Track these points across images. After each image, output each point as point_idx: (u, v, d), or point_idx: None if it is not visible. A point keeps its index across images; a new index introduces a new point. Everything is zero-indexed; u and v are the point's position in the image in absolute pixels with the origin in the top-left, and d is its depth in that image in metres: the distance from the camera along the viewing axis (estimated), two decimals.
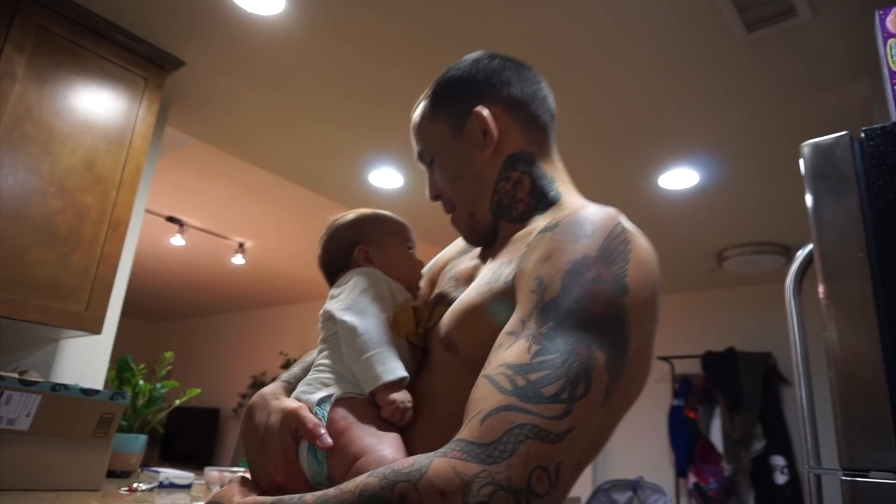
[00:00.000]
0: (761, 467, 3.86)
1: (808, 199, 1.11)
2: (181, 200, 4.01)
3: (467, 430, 0.53)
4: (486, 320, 0.66)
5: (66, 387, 1.50)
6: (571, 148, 2.17)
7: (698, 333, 4.42)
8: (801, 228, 2.09)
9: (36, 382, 1.46)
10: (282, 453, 0.68)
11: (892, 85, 1.21)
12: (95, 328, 1.88)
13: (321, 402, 0.70)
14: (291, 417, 0.68)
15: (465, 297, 0.72)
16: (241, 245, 4.83)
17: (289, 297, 6.49)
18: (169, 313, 8.02)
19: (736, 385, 3.98)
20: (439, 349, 0.72)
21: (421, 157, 0.86)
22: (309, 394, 0.72)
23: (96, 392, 1.55)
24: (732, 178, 2.91)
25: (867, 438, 0.96)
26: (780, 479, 3.75)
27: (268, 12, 1.99)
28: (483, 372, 0.58)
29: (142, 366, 2.04)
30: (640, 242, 0.66)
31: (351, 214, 0.87)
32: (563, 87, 2.12)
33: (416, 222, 0.94)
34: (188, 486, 1.81)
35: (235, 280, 5.90)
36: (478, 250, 0.85)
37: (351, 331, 0.72)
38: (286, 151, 2.97)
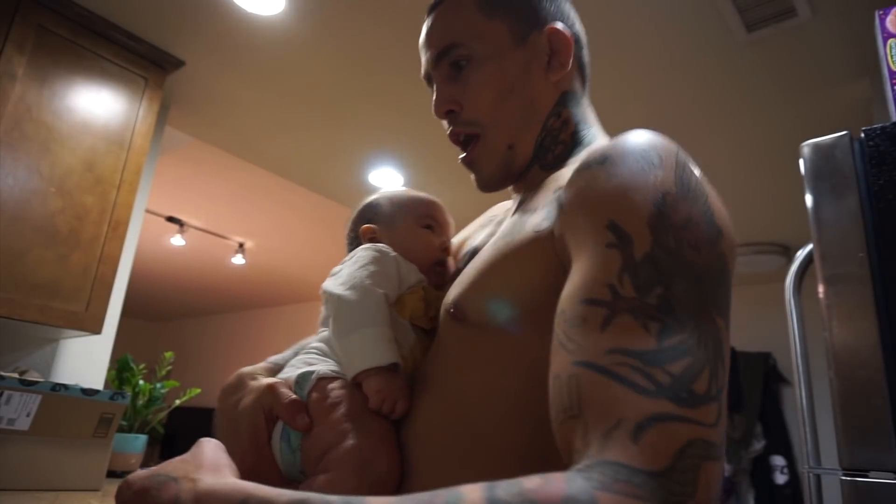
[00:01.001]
0: (761, 467, 3.85)
1: (808, 199, 1.11)
2: (181, 200, 4.00)
3: (618, 451, 0.37)
4: (503, 279, 0.56)
5: (66, 387, 1.50)
6: None
7: None
8: (801, 228, 2.09)
9: (36, 382, 1.46)
10: (250, 437, 0.58)
11: (892, 85, 1.21)
12: (95, 328, 1.88)
13: (301, 379, 0.60)
14: (267, 394, 0.59)
15: (479, 256, 0.62)
16: (241, 245, 4.83)
17: (289, 297, 6.49)
18: (169, 313, 8.02)
19: (736, 385, 3.98)
20: (446, 321, 0.62)
21: (444, 54, 0.69)
22: (290, 373, 0.63)
23: (96, 392, 1.55)
24: (732, 178, 2.90)
25: (867, 438, 0.96)
26: (780, 479, 3.75)
27: (268, 12, 1.99)
28: (577, 358, 0.43)
29: (142, 366, 2.04)
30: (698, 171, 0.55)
31: (372, 196, 0.80)
32: None
33: None
34: None
35: (235, 280, 5.90)
36: (498, 219, 0.74)
37: (339, 305, 0.63)
38: (286, 151, 2.97)
